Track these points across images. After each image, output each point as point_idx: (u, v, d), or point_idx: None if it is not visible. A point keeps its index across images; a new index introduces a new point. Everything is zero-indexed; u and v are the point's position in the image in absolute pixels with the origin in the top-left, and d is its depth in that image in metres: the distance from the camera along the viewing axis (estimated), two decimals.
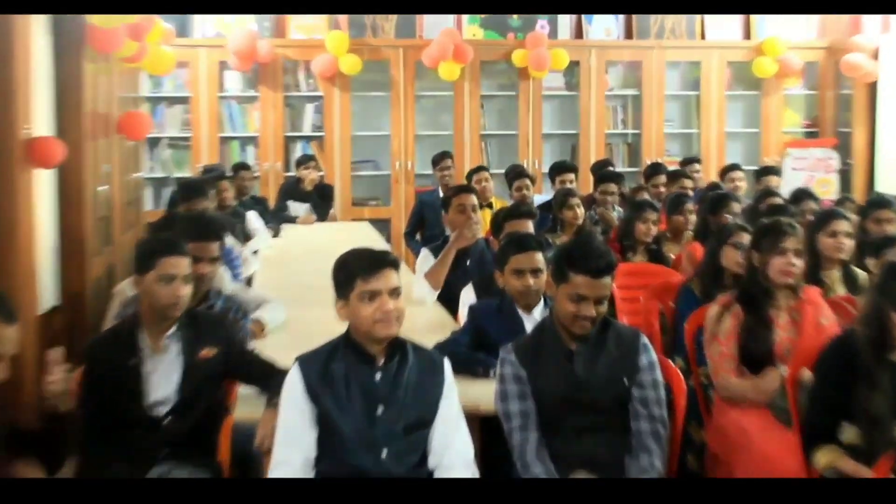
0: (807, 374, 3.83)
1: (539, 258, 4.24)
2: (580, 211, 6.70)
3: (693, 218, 6.52)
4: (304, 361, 3.23)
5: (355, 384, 3.18)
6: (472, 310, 4.35)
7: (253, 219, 7.67)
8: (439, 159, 8.86)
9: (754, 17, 10.55)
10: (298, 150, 9.88)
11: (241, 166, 8.83)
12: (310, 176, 9.06)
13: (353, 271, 3.17)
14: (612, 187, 7.65)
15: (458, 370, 3.63)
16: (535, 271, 4.21)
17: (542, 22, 10.28)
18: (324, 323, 3.52)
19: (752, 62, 10.25)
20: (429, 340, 3.99)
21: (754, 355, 4.17)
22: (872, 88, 10.06)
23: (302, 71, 9.93)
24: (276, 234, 8.07)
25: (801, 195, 6.49)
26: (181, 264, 3.67)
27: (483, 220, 5.92)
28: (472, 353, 4.12)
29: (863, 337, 3.48)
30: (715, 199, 6.35)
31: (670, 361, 3.85)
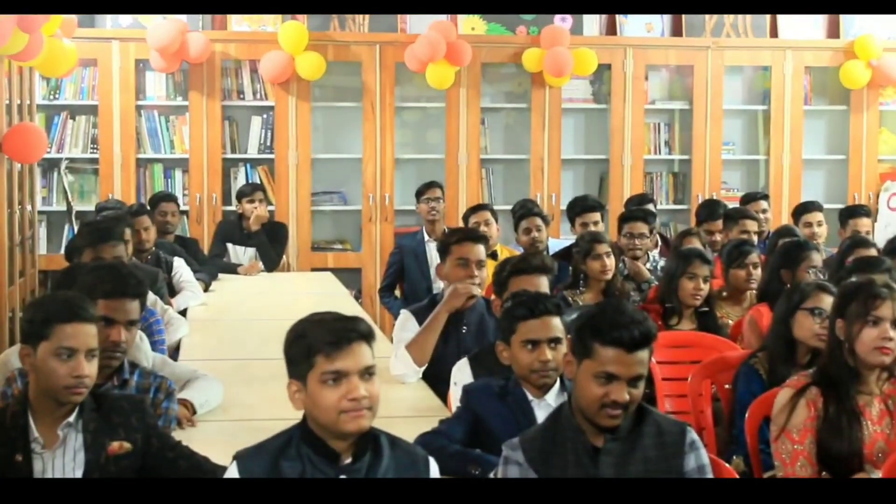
0: None
1: (557, 324, 4.27)
2: (610, 262, 6.73)
3: (758, 273, 6.57)
4: (246, 459, 3.25)
5: None
6: (468, 392, 4.37)
7: (181, 268, 7.71)
8: (425, 190, 8.92)
9: None
10: (241, 178, 9.95)
11: (163, 197, 8.88)
12: (256, 212, 9.10)
13: (313, 345, 3.19)
14: (641, 228, 7.69)
15: (448, 471, 3.65)
16: (553, 341, 4.24)
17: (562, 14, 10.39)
18: (273, 407, 3.55)
19: (839, 68, 10.37)
20: (410, 432, 4.00)
21: (837, 456, 4.19)
22: None
23: (246, 74, 10.01)
24: (208, 288, 8.10)
25: None
26: (85, 334, 3.68)
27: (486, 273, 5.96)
28: (465, 449, 4.14)
29: None
30: (788, 249, 6.40)
31: (725, 463, 3.88)
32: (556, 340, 4.24)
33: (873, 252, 6.49)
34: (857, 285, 4.38)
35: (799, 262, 6.26)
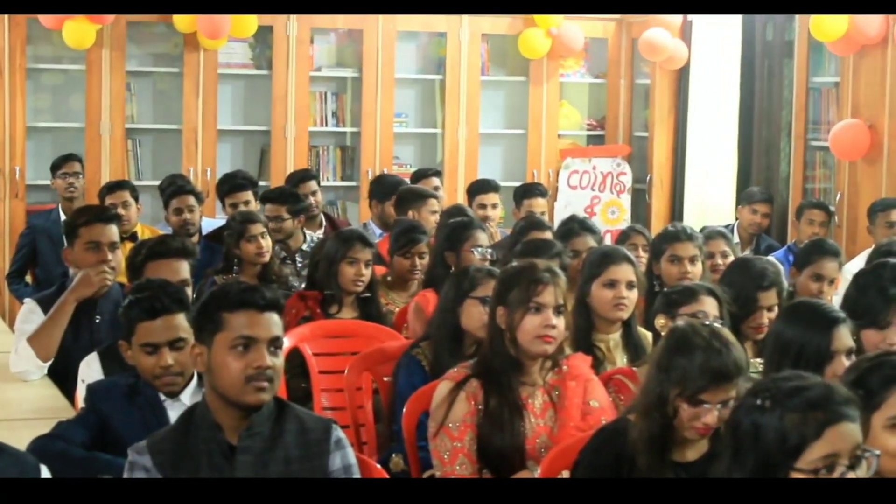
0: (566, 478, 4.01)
1: (181, 323, 4.23)
2: (266, 243, 6.74)
3: (425, 262, 6.56)
4: None
5: None
6: (92, 391, 4.29)
7: None
8: (61, 164, 8.78)
9: None
10: None
11: None
12: None
13: None
14: (281, 211, 7.74)
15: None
16: (176, 343, 4.21)
17: None
18: None
19: (518, 36, 10.63)
20: (32, 437, 4.00)
21: (499, 452, 4.32)
22: (680, 78, 10.66)
23: None
24: None
25: (573, 226, 6.67)
26: None
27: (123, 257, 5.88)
28: (93, 453, 4.09)
29: (637, 429, 3.67)
30: (451, 230, 6.50)
31: (375, 464, 3.94)
32: (180, 341, 4.22)
33: (547, 235, 6.64)
34: (517, 270, 4.48)
35: (462, 242, 6.35)
